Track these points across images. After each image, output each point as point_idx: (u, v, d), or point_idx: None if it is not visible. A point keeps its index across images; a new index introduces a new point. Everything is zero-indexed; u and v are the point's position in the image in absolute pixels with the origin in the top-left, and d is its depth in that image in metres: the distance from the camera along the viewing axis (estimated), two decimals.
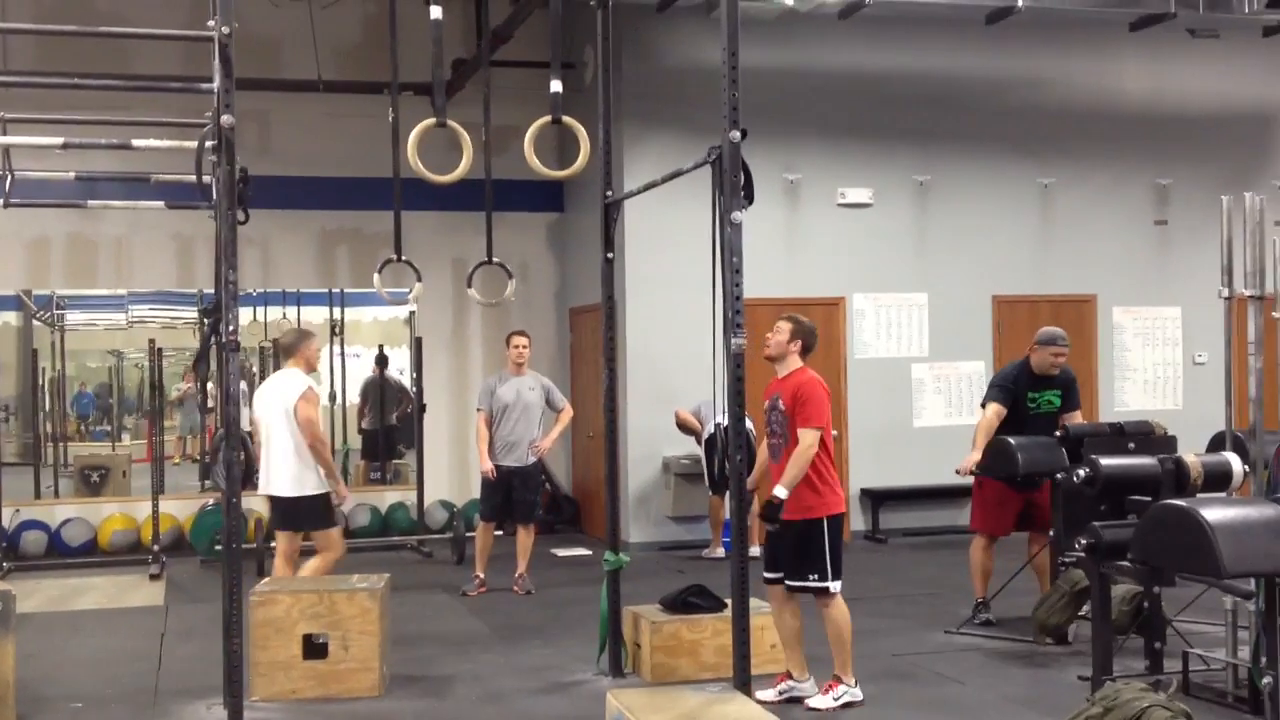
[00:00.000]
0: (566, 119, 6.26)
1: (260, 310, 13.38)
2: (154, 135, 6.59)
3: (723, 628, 6.19)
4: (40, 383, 13.95)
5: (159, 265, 11.72)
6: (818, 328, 6.43)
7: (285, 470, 7.47)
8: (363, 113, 10.83)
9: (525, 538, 9.25)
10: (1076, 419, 7.78)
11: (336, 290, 12.93)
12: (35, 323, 14.04)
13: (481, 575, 9.22)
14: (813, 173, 11.41)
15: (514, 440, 9.14)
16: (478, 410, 9.29)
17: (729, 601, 5.57)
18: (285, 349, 7.78)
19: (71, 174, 7.58)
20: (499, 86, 9.00)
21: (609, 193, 6.69)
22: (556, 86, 6.24)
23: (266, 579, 7.26)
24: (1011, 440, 7.37)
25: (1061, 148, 11.99)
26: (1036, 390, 7.77)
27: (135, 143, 6.04)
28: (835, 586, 5.97)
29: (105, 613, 8.92)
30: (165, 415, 12.50)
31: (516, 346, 9.29)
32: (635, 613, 6.77)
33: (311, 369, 7.72)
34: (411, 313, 12.25)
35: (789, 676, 6.15)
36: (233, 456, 4.77)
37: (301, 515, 7.56)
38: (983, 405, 7.88)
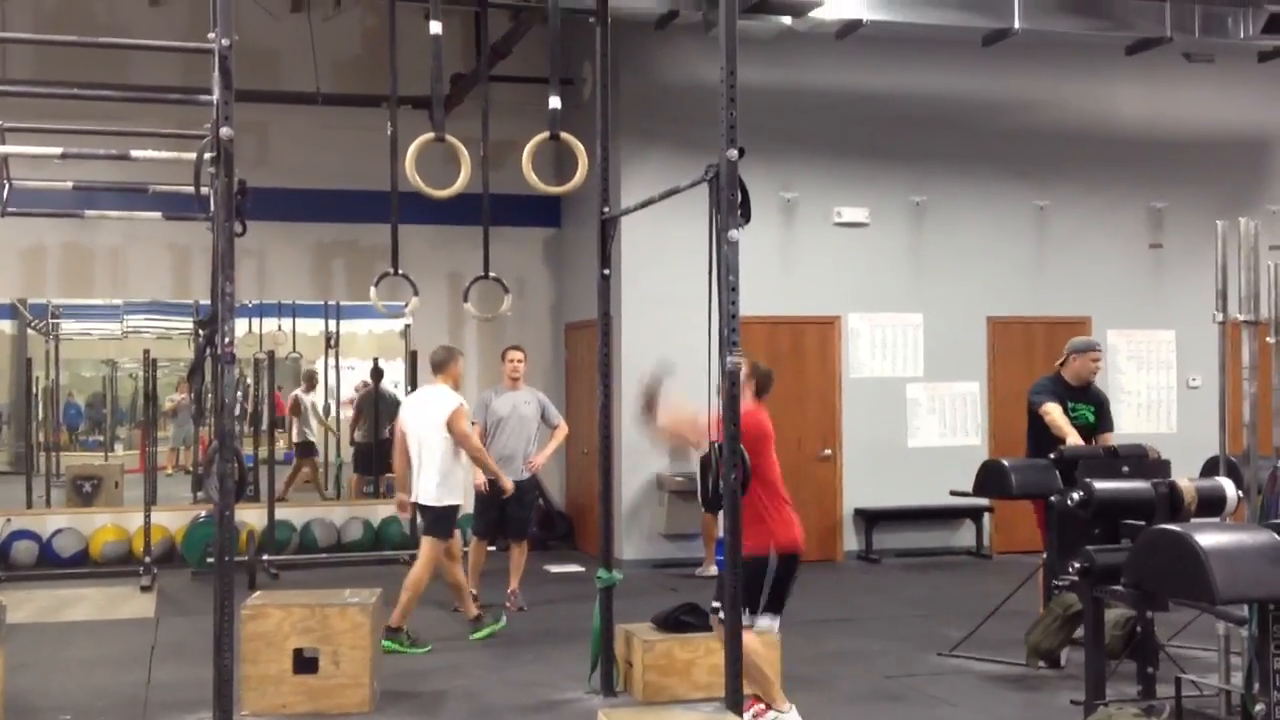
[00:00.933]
0: (564, 135, 6.27)
1: (256, 322, 13.37)
2: (152, 146, 6.57)
3: (715, 647, 6.17)
4: (34, 392, 13.93)
5: (155, 275, 11.72)
6: (774, 373, 6.26)
7: (431, 480, 8.00)
8: (361, 125, 10.84)
9: (518, 554, 9.24)
10: (1109, 440, 7.79)
11: (332, 303, 12.93)
12: (30, 332, 14.03)
13: (474, 591, 9.18)
14: (809, 192, 11.44)
15: (509, 455, 9.12)
16: (472, 424, 9.26)
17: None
18: (436, 365, 8.26)
19: (69, 184, 7.55)
20: (497, 101, 9.01)
21: (606, 209, 6.70)
22: (555, 103, 6.25)
23: (258, 593, 7.24)
24: (1005, 461, 7.37)
25: (1057, 170, 12.03)
26: (1074, 400, 7.82)
27: (134, 153, 6.02)
28: (758, 622, 5.78)
29: (96, 624, 8.89)
30: (159, 426, 12.48)
31: (512, 361, 9.29)
32: (628, 631, 6.76)
33: (458, 385, 8.26)
34: (407, 326, 12.25)
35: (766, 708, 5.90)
36: (226, 469, 4.75)
37: (430, 521, 8.09)
38: (1035, 410, 7.82)
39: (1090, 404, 7.92)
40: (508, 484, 8.59)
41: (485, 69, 9.16)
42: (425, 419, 8.08)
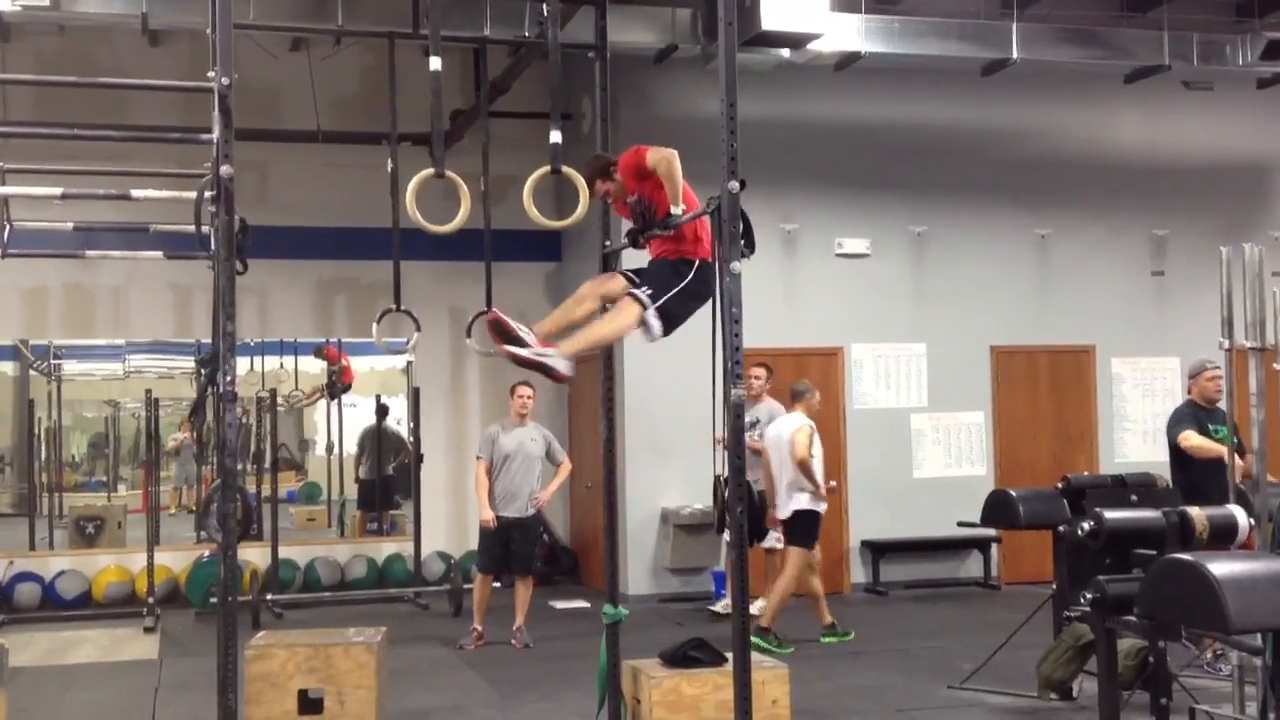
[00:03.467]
0: (565, 169, 6.26)
1: (258, 360, 13.36)
2: (153, 185, 6.56)
3: (724, 682, 6.11)
4: (36, 433, 13.90)
5: (156, 315, 11.71)
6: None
7: (785, 495, 8.96)
8: (361, 163, 10.86)
9: (523, 590, 9.18)
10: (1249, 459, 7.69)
11: (334, 340, 12.91)
12: (32, 373, 14.01)
13: (479, 628, 9.14)
14: (810, 223, 11.44)
15: (514, 490, 9.09)
16: (478, 458, 9.25)
17: (730, 655, 5.49)
18: (795, 395, 9.31)
19: (70, 224, 7.55)
20: (497, 136, 9.02)
21: (607, 243, 6.67)
22: (556, 137, 6.24)
23: (262, 633, 7.19)
24: (1013, 492, 7.33)
25: (1058, 199, 12.03)
26: (1213, 423, 7.78)
27: (134, 193, 6.02)
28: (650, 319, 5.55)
29: (99, 666, 8.83)
30: (161, 465, 12.44)
31: (521, 396, 9.27)
32: (635, 667, 6.69)
33: (812, 415, 9.20)
34: (409, 362, 12.23)
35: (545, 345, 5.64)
36: (229, 508, 4.72)
37: (794, 530, 8.95)
38: (1177, 441, 7.76)
39: (1222, 424, 7.80)
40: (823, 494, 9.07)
41: (485, 105, 9.16)
42: (780, 440, 9.06)
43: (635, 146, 5.72)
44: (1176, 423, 7.87)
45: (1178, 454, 7.82)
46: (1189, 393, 8.10)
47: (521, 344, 5.47)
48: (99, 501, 13.96)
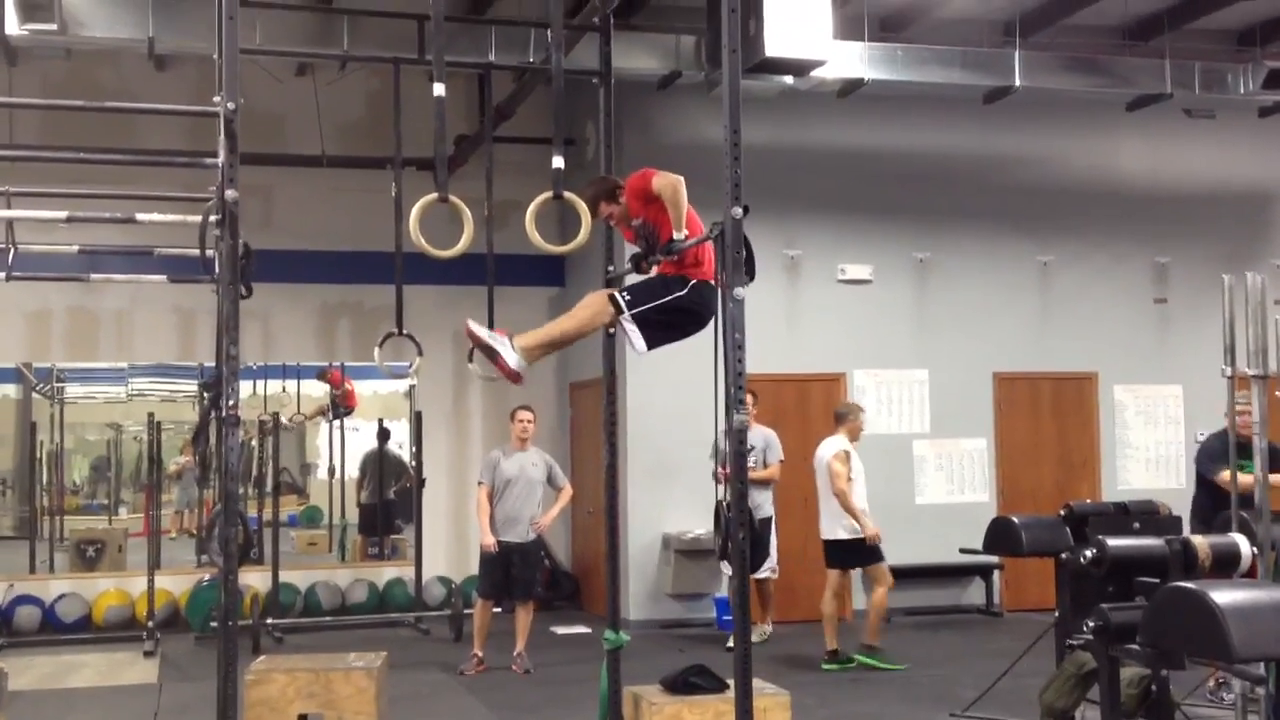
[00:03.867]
0: (568, 194, 6.27)
1: (260, 383, 13.35)
2: (158, 209, 6.59)
3: (725, 709, 6.08)
4: (38, 455, 13.88)
5: (160, 338, 11.73)
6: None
7: (832, 517, 9.16)
8: (365, 187, 10.89)
9: (524, 615, 9.16)
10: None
11: (337, 363, 12.92)
12: (35, 395, 14.00)
13: (479, 653, 9.11)
14: (813, 249, 11.46)
15: (515, 515, 9.08)
16: (479, 484, 9.24)
17: (731, 682, 5.47)
18: (838, 418, 9.45)
19: (75, 247, 7.58)
20: (501, 161, 9.05)
21: (610, 268, 6.68)
22: (558, 163, 6.25)
23: (263, 657, 7.17)
24: (1015, 518, 7.31)
25: (1060, 225, 12.05)
26: (1242, 457, 7.63)
27: (139, 216, 6.04)
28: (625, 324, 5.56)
29: (98, 691, 8.80)
30: (163, 489, 12.42)
31: (521, 421, 9.27)
32: (635, 693, 6.67)
33: (854, 437, 9.33)
34: (412, 386, 12.23)
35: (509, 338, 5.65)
36: (231, 533, 4.71)
37: (847, 555, 9.18)
38: (1208, 478, 7.70)
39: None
40: (870, 530, 9.12)
41: (489, 130, 9.20)
42: (821, 462, 9.25)
43: (644, 170, 5.74)
44: (1213, 459, 7.77)
45: (1206, 482, 7.75)
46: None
47: (477, 335, 5.47)
48: (100, 525, 13.92)
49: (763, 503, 9.91)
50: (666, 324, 5.49)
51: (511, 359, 5.42)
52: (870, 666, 9.00)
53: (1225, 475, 7.45)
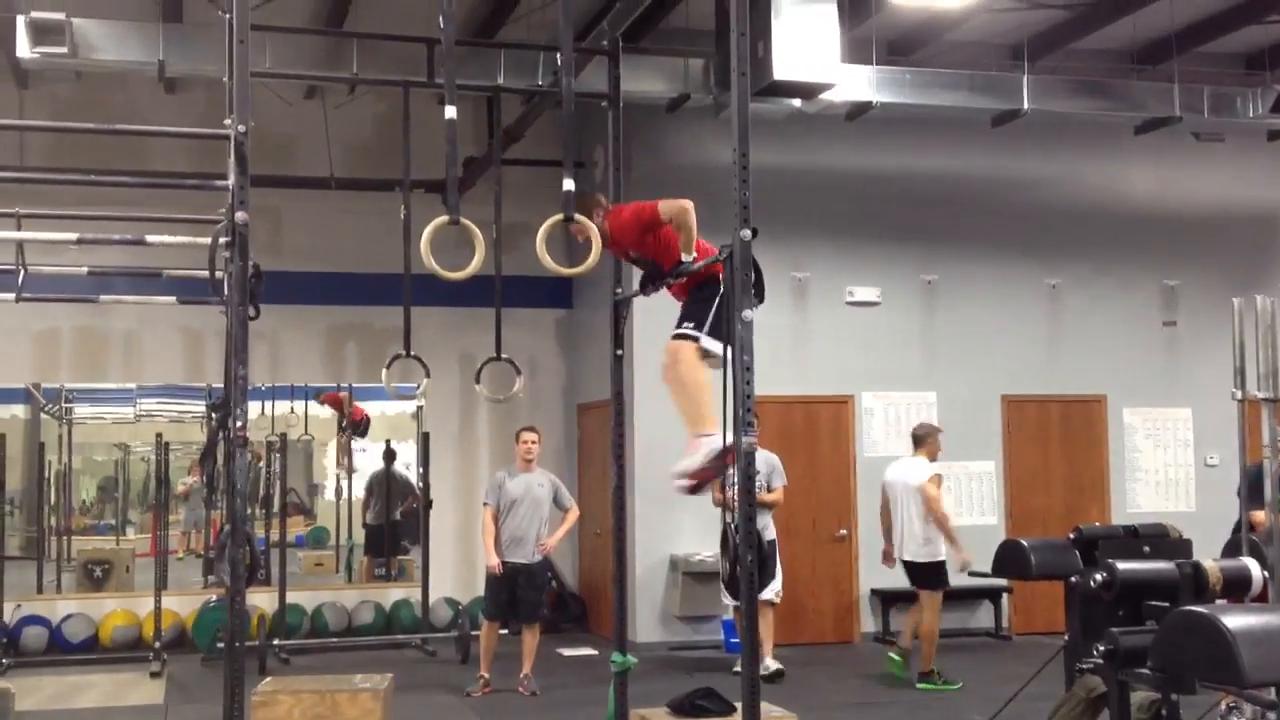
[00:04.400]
0: (578, 217, 6.28)
1: (268, 404, 13.35)
2: (167, 231, 6.61)
3: None
4: (46, 476, 13.88)
5: (168, 359, 11.75)
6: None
7: (911, 539, 9.29)
8: (373, 209, 10.92)
9: (530, 638, 9.14)
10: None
11: (345, 384, 12.92)
12: (43, 416, 14.01)
13: (486, 675, 9.09)
14: (821, 271, 11.46)
15: (520, 535, 9.07)
16: (484, 505, 9.24)
17: (739, 705, 5.45)
18: (917, 440, 9.53)
19: (84, 269, 7.59)
20: (509, 184, 9.07)
21: (619, 290, 6.69)
22: (569, 185, 6.26)
23: (269, 679, 7.15)
24: (1024, 541, 7.27)
25: (1068, 248, 12.04)
26: None
27: (149, 238, 6.06)
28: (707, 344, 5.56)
29: (104, 711, 8.79)
30: (170, 509, 12.43)
31: (525, 442, 9.26)
32: (643, 716, 6.64)
33: (934, 459, 9.44)
34: (419, 408, 12.23)
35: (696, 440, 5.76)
36: (238, 554, 4.71)
37: (920, 576, 9.34)
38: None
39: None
40: (966, 557, 9.11)
41: (498, 153, 9.21)
42: (904, 483, 9.37)
43: (636, 205, 5.77)
44: (1250, 496, 7.65)
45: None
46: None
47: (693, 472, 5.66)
48: (107, 545, 13.91)
49: (764, 526, 9.89)
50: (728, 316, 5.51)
51: (714, 440, 5.54)
52: (932, 690, 9.18)
53: (1259, 516, 7.35)
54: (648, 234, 5.72)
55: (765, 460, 9.83)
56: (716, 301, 5.53)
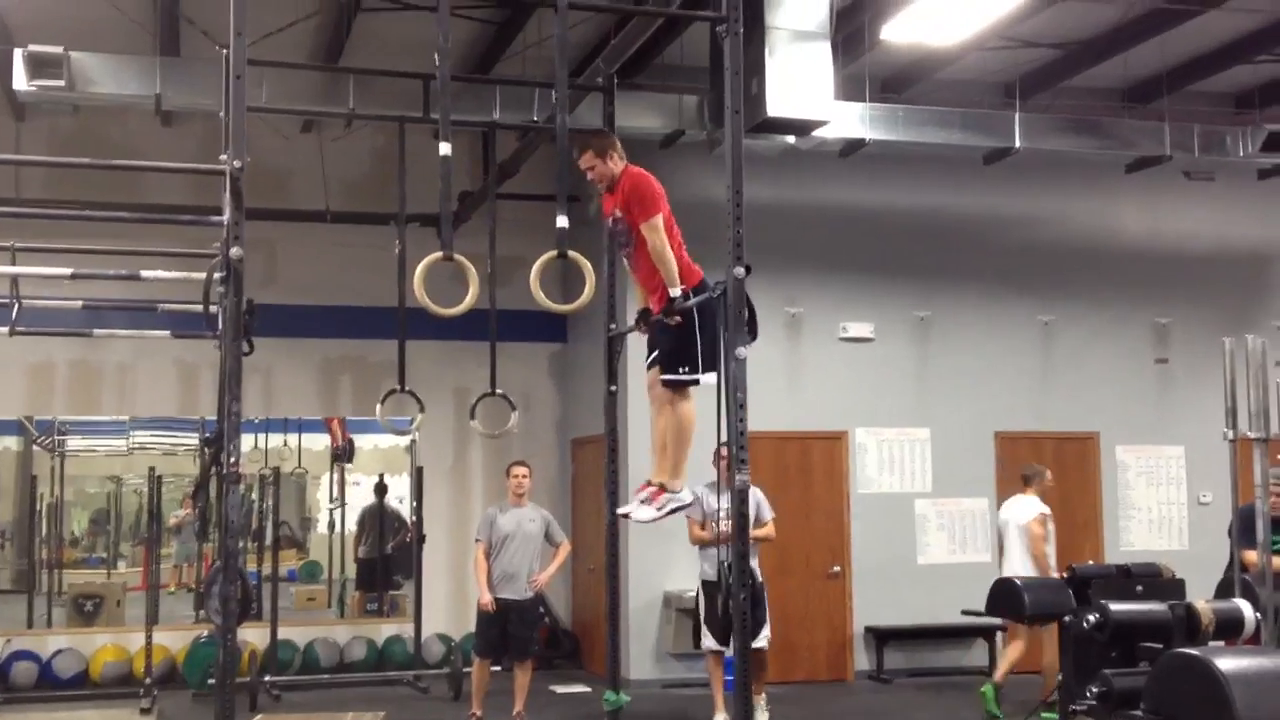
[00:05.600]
0: (572, 253, 6.30)
1: (262, 437, 13.32)
2: (162, 266, 6.63)
3: None
4: (38, 509, 13.83)
5: (162, 392, 11.73)
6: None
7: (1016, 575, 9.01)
8: (369, 243, 10.93)
9: (522, 675, 9.08)
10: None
11: (338, 418, 12.90)
12: (35, 448, 13.98)
13: (478, 713, 9.03)
14: (814, 307, 11.48)
15: (512, 571, 9.02)
16: (476, 541, 9.19)
17: None
18: (1026, 479, 9.78)
19: (79, 303, 7.61)
20: (504, 218, 9.09)
21: (613, 325, 6.72)
22: (562, 222, 6.29)
23: (260, 715, 7.11)
24: (1018, 580, 7.27)
25: (1061, 286, 12.08)
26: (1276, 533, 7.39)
27: (143, 273, 6.08)
28: (705, 378, 5.54)
29: None
30: (162, 543, 12.37)
31: (516, 477, 9.23)
32: None
33: (1044, 496, 9.66)
34: (413, 442, 12.21)
35: (661, 490, 5.68)
36: (230, 590, 4.70)
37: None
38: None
39: None
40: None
41: (493, 188, 9.25)
42: (1013, 520, 9.58)
43: (639, 183, 5.69)
44: (1242, 536, 7.60)
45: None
46: None
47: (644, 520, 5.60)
48: (98, 579, 13.84)
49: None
50: (715, 344, 5.48)
51: (683, 495, 5.58)
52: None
53: (1250, 556, 7.30)
54: (631, 215, 5.69)
55: (752, 496, 9.72)
56: (699, 333, 5.49)
